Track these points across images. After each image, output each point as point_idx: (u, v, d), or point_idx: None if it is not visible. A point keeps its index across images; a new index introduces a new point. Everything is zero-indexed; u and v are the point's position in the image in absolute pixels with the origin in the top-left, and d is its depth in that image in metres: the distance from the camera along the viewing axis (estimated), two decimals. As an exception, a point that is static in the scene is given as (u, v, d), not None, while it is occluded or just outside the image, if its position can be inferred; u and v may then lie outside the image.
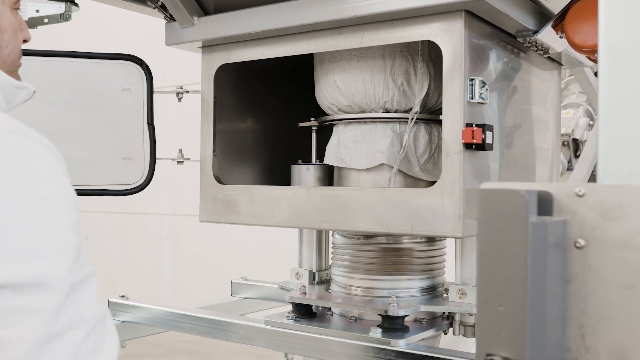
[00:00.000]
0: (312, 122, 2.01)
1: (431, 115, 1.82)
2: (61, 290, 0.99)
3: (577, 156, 3.32)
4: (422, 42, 1.73)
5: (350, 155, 1.84)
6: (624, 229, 0.85)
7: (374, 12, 1.53)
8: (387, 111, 1.80)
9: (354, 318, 1.86)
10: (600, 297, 0.88)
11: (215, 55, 1.87)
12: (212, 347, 5.72)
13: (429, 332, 1.77)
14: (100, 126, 1.78)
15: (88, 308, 1.03)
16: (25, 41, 1.38)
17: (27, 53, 1.74)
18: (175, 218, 6.52)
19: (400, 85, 1.77)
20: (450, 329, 1.86)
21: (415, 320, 1.83)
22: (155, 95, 1.88)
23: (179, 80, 3.29)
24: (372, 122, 1.81)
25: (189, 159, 1.96)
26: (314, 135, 2.02)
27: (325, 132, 2.04)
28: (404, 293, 1.84)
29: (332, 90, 1.84)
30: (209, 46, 1.88)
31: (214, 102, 1.89)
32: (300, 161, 2.00)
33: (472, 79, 1.50)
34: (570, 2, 1.61)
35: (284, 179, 2.08)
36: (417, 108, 1.77)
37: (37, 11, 1.78)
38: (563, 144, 3.30)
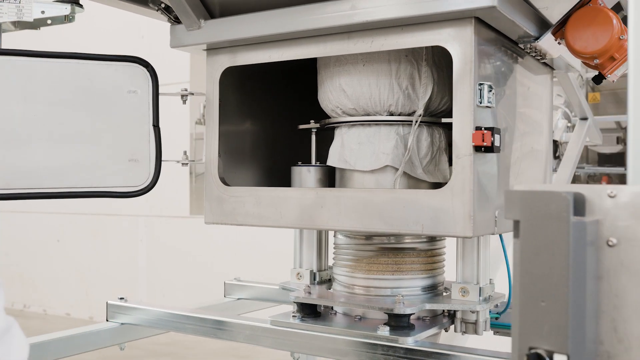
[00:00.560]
0: (313, 125, 2.04)
1: (433, 118, 1.87)
2: None
3: (556, 157, 3.42)
4: (427, 46, 1.77)
5: (354, 157, 1.88)
6: (656, 228, 0.90)
7: (386, 18, 1.57)
8: (391, 114, 1.84)
9: (359, 317, 1.90)
10: (631, 292, 0.93)
11: (221, 58, 1.89)
12: (189, 349, 5.69)
13: (434, 330, 1.81)
14: (106, 128, 1.79)
15: None
16: None
17: (31, 54, 1.74)
18: (150, 219, 6.47)
19: (405, 89, 1.81)
20: (451, 326, 1.91)
21: (418, 318, 1.87)
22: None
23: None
24: (376, 124, 1.85)
25: (193, 160, 1.97)
26: (313, 137, 2.05)
27: (323, 135, 2.08)
28: (406, 292, 1.88)
29: (338, 93, 1.87)
30: (214, 49, 1.89)
31: (219, 104, 1.91)
32: (300, 163, 2.03)
33: (481, 84, 1.55)
34: (570, 10, 1.68)
35: (283, 181, 2.11)
36: (420, 111, 1.82)
37: (43, 12, 1.77)
38: (543, 146, 3.39)
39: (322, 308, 1.95)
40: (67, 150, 1.71)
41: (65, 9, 1.79)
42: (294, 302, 1.93)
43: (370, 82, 1.81)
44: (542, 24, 1.74)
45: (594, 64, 1.68)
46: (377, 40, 1.65)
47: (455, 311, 1.89)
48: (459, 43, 1.54)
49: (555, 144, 3.47)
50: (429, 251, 1.94)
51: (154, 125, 1.83)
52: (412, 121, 1.83)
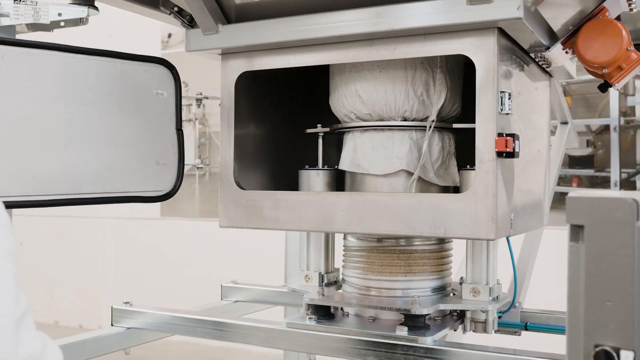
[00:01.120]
0: (321, 129, 2.07)
1: (443, 123, 1.92)
2: (8, 329, 0.93)
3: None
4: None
5: (367, 161, 1.92)
6: None
7: (411, 27, 1.61)
8: (405, 119, 1.89)
9: (372, 318, 1.93)
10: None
11: (237, 62, 1.90)
12: (162, 352, 5.64)
13: (447, 329, 1.87)
14: (137, 130, 1.76)
15: (31, 342, 0.98)
16: None
17: (68, 49, 1.67)
18: (118, 221, 6.37)
19: (420, 95, 1.86)
20: (460, 326, 1.97)
21: (429, 319, 1.92)
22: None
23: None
24: (390, 129, 1.90)
25: (208, 164, 1.97)
26: (320, 141, 2.08)
27: (326, 138, 2.10)
28: (417, 293, 1.93)
29: (353, 98, 1.90)
30: (230, 53, 1.90)
31: (235, 108, 1.92)
32: (307, 166, 2.06)
33: (502, 92, 1.61)
34: (581, 22, 1.75)
35: (287, 184, 2.13)
36: (433, 117, 1.87)
37: (60, 14, 1.75)
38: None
39: (333, 309, 1.99)
40: (103, 153, 1.68)
41: (82, 11, 1.77)
42: (308, 304, 1.96)
43: (387, 89, 1.85)
44: (551, 34, 1.81)
45: (602, 73, 1.76)
46: (400, 47, 1.69)
47: (464, 311, 1.95)
48: (482, 52, 1.59)
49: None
50: (438, 253, 1.99)
51: (177, 129, 1.83)
52: (424, 126, 1.88)
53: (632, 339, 0.94)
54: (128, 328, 2.13)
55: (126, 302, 2.17)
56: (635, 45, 1.76)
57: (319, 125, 2.08)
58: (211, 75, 1.97)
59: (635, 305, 0.94)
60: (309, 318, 1.90)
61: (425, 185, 1.90)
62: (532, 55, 1.84)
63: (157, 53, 6.08)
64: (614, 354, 0.94)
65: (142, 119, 1.78)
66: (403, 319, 1.82)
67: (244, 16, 1.86)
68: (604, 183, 4.33)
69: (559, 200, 2.90)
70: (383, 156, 1.89)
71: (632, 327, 0.94)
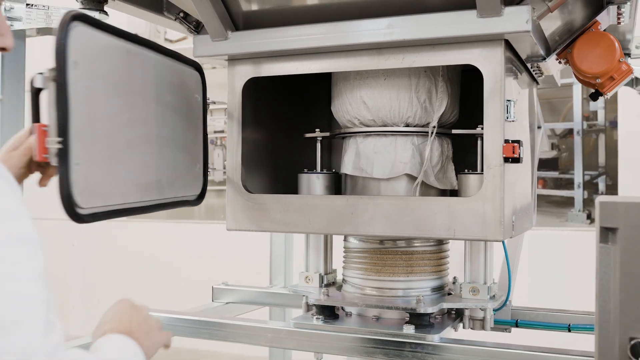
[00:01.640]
0: (320, 134, 2.12)
1: (442, 129, 2.00)
2: None
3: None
4: (443, 63, 1.90)
5: (370, 166, 1.98)
6: None
7: (423, 38, 1.68)
8: (408, 125, 1.96)
9: (375, 317, 2.00)
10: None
11: (244, 68, 1.93)
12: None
13: (449, 327, 1.95)
14: (180, 133, 1.72)
15: None
16: (4, 49, 1.24)
17: (130, 38, 1.56)
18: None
19: (422, 102, 1.93)
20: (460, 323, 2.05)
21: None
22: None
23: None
24: (392, 135, 1.96)
25: (214, 169, 2.00)
26: (319, 145, 2.13)
27: (323, 143, 2.15)
28: (417, 292, 2.00)
29: (358, 105, 1.96)
30: (237, 59, 1.94)
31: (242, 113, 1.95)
32: (305, 170, 2.11)
33: (508, 100, 1.69)
34: (576, 34, 1.86)
35: (286, 187, 2.18)
36: (434, 123, 1.95)
37: (71, 19, 1.74)
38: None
39: (337, 309, 2.04)
40: (170, 156, 1.65)
41: (95, 16, 1.77)
42: (312, 305, 2.01)
43: (392, 96, 1.92)
44: (547, 45, 1.91)
45: (595, 82, 1.87)
46: (409, 57, 1.75)
47: (462, 309, 2.03)
48: (490, 62, 1.67)
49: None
50: (437, 254, 2.07)
51: (204, 134, 1.85)
52: (425, 132, 1.95)
53: (665, 332, 1.02)
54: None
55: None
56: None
57: (317, 129, 2.13)
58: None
59: (667, 301, 1.02)
60: (316, 318, 1.95)
61: (425, 189, 1.97)
62: (529, 64, 1.93)
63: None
64: (649, 346, 1.02)
65: (189, 123, 1.78)
66: (407, 318, 1.89)
67: (252, 23, 1.89)
68: (568, 185, 4.51)
69: (537, 201, 3.01)
70: (386, 160, 1.96)
71: (665, 321, 1.02)
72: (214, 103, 1.97)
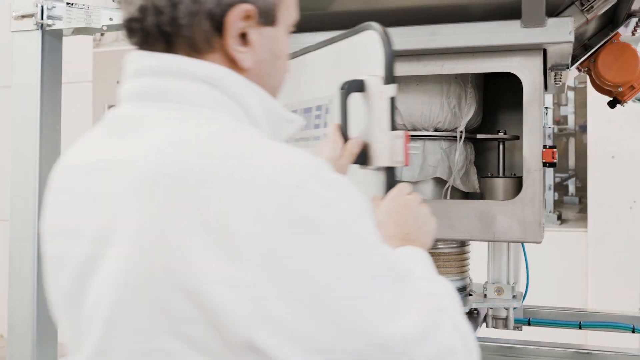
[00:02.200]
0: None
1: (467, 133, 2.06)
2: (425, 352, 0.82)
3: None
4: (472, 70, 1.95)
5: (400, 169, 2.01)
6: None
7: (465, 46, 1.73)
8: (436, 130, 2.00)
9: (404, 318, 2.03)
10: None
11: (279, 73, 1.94)
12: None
13: (479, 327, 2.00)
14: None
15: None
16: None
17: None
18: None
19: (452, 107, 1.98)
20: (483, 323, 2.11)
21: (455, 317, 2.05)
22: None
23: None
24: (421, 139, 2.00)
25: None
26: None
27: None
28: (442, 293, 2.05)
29: (389, 110, 1.99)
30: (271, 63, 1.94)
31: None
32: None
33: (546, 107, 1.76)
34: (600, 45, 1.94)
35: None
36: (462, 127, 2.00)
37: (111, 19, 1.70)
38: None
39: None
40: None
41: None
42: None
43: (424, 101, 1.96)
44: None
45: (616, 91, 1.96)
46: (448, 64, 1.80)
47: (487, 309, 2.09)
48: (530, 71, 1.73)
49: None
50: (460, 255, 2.12)
51: None
52: (452, 136, 2.00)
53: None
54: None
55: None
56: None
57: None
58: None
59: None
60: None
61: (451, 192, 2.02)
62: (552, 72, 2.00)
63: (89, 52, 5.86)
64: None
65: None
66: (439, 318, 1.93)
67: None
68: (541, 186, 4.66)
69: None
70: (415, 164, 2.00)
71: None
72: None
